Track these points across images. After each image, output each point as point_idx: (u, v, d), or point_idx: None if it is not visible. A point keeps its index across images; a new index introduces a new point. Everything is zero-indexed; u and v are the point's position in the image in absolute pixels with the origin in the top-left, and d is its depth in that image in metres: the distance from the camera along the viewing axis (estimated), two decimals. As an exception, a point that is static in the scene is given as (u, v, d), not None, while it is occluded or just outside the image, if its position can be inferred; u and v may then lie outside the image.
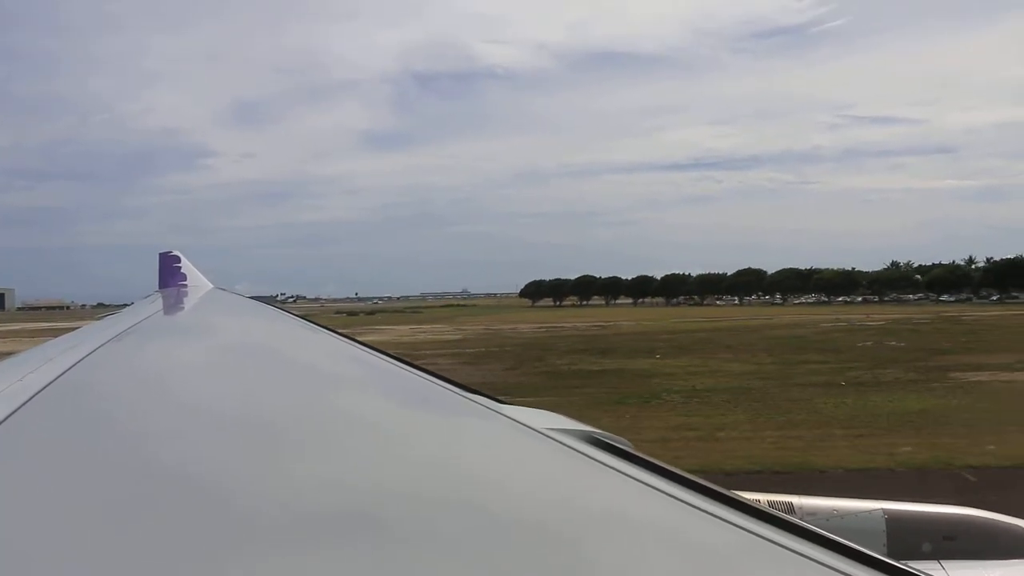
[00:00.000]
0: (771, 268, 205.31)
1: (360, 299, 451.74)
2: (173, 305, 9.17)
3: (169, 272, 14.56)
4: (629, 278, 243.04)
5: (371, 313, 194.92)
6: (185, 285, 13.75)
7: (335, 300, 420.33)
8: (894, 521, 4.42)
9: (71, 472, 1.63)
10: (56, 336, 5.24)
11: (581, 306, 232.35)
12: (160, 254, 15.24)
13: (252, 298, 10.72)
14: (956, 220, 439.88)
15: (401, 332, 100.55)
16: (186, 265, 14.72)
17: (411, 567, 1.23)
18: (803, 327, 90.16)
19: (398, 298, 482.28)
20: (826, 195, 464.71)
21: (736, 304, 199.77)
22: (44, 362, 3.22)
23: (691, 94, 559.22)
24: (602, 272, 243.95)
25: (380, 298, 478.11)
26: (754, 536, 1.43)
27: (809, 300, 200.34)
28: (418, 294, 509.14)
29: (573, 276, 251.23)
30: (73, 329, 5.67)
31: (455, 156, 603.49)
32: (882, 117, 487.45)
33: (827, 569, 1.32)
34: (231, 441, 2.01)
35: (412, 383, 3.15)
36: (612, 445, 2.13)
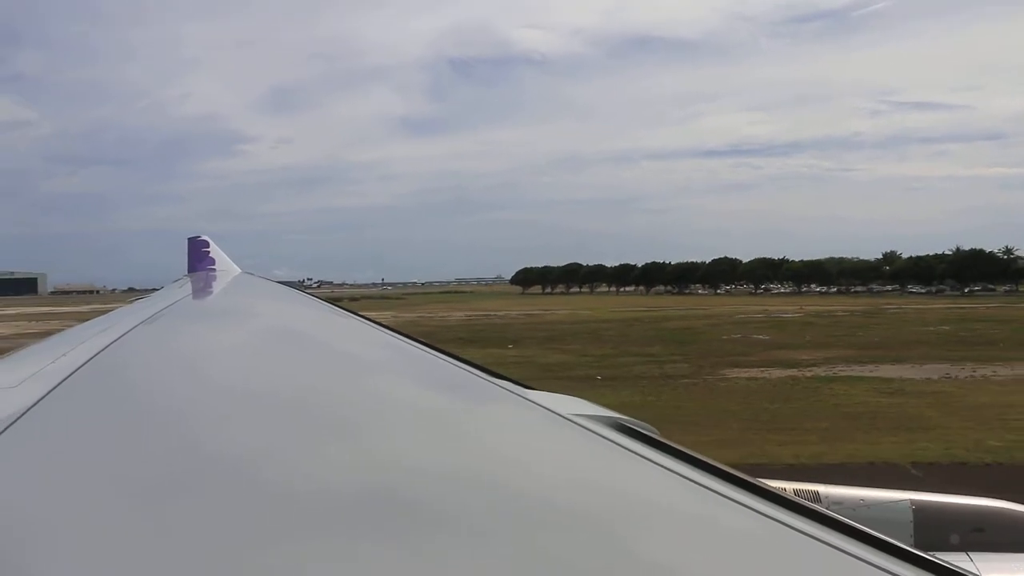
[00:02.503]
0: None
1: (386, 284, 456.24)
2: (202, 289, 9.24)
3: (198, 256, 14.73)
4: (612, 266, 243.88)
5: (355, 299, 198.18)
6: (214, 269, 13.89)
7: (360, 285, 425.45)
8: (922, 512, 4.34)
9: (104, 453, 1.64)
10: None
11: (566, 294, 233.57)
12: (189, 239, 15.24)
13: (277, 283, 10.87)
14: (1001, 208, 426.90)
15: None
16: (214, 249, 14.89)
17: (444, 549, 1.23)
18: (711, 319, 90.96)
19: (422, 284, 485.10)
20: (868, 182, 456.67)
21: (710, 294, 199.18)
22: (76, 344, 3.26)
23: (729, 80, 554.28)
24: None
25: (406, 283, 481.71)
26: (780, 525, 1.42)
27: (785, 290, 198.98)
28: (453, 279, 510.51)
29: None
30: (85, 314, 6.59)
31: (492, 142, 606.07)
32: (925, 103, 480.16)
33: (853, 559, 1.31)
34: (263, 422, 2.02)
35: (439, 368, 3.16)
36: (638, 432, 2.15)
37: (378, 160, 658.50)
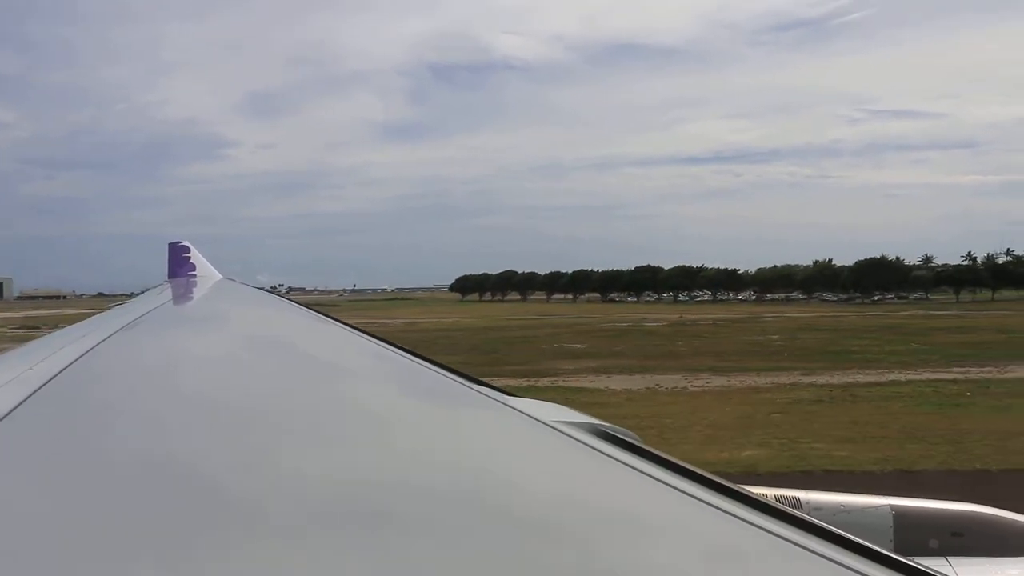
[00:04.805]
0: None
1: (348, 291, 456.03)
2: (182, 295, 9.26)
3: (178, 262, 14.70)
4: (543, 273, 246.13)
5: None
6: (194, 275, 13.83)
7: (330, 292, 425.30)
8: (901, 517, 4.41)
9: (78, 462, 1.61)
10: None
11: (501, 301, 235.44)
12: (169, 244, 15.22)
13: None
14: (978, 215, 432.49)
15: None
16: (195, 255, 14.85)
17: (419, 560, 1.21)
18: (564, 328, 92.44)
19: (392, 290, 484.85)
20: (846, 189, 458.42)
21: (632, 301, 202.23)
22: (54, 351, 3.23)
23: (709, 87, 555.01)
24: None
25: (375, 290, 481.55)
26: (761, 531, 1.41)
27: (706, 297, 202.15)
28: (431, 285, 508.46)
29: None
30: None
31: (473, 148, 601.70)
32: (903, 111, 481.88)
33: (834, 564, 1.29)
34: (240, 429, 2.01)
35: (419, 374, 3.14)
36: (619, 438, 2.14)
37: (359, 165, 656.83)
